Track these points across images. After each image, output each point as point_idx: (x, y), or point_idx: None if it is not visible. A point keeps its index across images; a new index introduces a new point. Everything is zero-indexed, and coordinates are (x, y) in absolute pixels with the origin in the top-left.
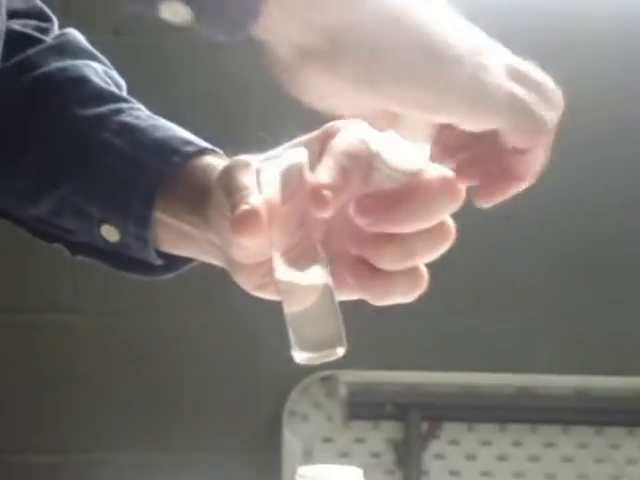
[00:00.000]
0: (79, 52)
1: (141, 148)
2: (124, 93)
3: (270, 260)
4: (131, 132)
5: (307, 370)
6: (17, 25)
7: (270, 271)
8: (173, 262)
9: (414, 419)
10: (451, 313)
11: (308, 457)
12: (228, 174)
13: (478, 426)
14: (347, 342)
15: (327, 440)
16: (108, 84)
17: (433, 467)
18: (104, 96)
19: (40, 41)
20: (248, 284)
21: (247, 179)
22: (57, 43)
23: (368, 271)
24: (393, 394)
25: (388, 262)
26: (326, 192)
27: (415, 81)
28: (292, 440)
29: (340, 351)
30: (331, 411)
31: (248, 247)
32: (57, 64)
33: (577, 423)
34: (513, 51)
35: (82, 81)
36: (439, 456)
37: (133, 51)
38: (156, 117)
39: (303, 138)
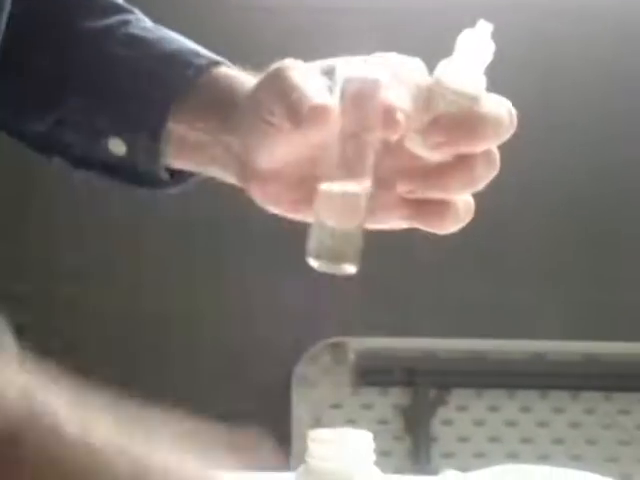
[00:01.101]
0: None
1: (153, 61)
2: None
3: (284, 174)
4: (141, 45)
5: (316, 337)
6: None
7: (285, 187)
8: (178, 176)
9: (422, 385)
10: (460, 279)
11: (317, 423)
12: (282, 76)
13: (486, 392)
14: (356, 309)
15: (335, 406)
16: None
17: (441, 433)
18: (109, 7)
19: None
20: (260, 194)
21: (306, 80)
22: None
23: (431, 205)
24: (401, 360)
25: (457, 189)
26: (399, 115)
27: None
28: (301, 406)
29: (352, 269)
30: (340, 377)
31: (311, 137)
32: None
33: (586, 389)
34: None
35: None
36: (447, 422)
37: (143, 7)
38: (161, 27)
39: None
